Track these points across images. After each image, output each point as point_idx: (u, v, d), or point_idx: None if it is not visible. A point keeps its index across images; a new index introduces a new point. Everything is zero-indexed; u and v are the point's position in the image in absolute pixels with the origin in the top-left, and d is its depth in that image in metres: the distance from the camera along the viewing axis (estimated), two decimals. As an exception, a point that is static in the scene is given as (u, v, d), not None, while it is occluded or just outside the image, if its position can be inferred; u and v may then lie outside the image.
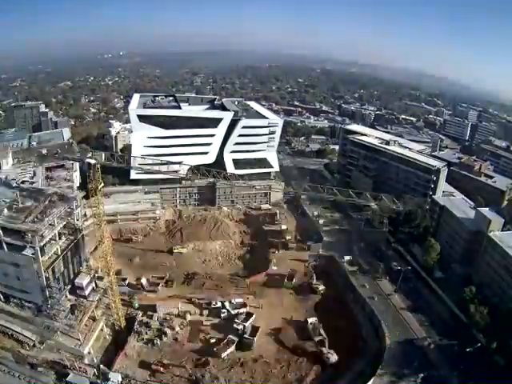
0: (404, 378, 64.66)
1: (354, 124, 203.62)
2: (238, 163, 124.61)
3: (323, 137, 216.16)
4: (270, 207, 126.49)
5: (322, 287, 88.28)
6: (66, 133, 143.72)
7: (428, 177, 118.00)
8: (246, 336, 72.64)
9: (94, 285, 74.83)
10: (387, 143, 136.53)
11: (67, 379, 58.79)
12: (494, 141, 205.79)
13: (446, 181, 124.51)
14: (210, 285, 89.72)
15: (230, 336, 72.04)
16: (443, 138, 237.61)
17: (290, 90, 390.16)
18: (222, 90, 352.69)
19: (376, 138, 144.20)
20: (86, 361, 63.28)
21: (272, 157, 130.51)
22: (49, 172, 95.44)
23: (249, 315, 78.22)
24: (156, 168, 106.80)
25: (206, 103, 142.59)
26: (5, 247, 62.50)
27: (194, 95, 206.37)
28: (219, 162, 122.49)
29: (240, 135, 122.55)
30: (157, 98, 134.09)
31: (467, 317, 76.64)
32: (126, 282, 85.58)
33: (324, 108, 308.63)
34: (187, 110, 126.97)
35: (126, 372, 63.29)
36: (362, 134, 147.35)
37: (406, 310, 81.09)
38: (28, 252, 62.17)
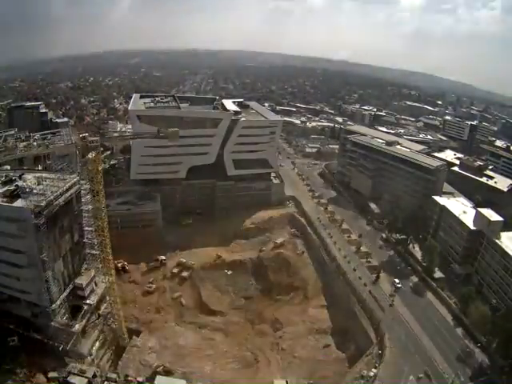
0: (403, 377, 64.52)
1: (354, 124, 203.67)
2: (238, 163, 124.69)
3: (323, 137, 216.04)
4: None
5: None
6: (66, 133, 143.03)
7: (428, 177, 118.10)
8: None
9: (93, 285, 74.66)
10: (387, 143, 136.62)
11: (67, 379, 58.81)
12: (494, 141, 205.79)
13: (446, 181, 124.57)
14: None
15: None
16: (443, 138, 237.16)
17: (290, 90, 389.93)
18: (221, 90, 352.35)
19: (376, 138, 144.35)
20: (86, 361, 63.31)
21: (272, 157, 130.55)
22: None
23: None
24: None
25: (206, 103, 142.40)
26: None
27: (193, 95, 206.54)
28: (219, 162, 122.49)
29: (240, 135, 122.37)
30: (157, 99, 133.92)
31: (467, 317, 76.69)
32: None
33: (324, 108, 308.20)
34: (187, 110, 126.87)
35: (126, 372, 63.37)
36: (362, 135, 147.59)
37: (406, 310, 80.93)
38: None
